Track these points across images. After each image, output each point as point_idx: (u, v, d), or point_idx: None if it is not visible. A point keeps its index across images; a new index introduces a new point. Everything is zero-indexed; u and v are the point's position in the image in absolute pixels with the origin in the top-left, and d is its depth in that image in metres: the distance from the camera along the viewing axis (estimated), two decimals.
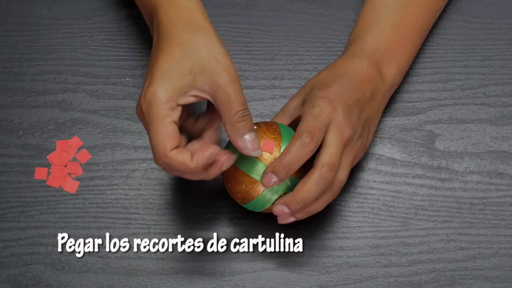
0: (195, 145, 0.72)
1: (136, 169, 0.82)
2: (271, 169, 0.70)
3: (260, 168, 0.72)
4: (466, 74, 0.85)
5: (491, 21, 0.88)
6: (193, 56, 0.69)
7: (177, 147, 0.68)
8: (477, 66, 0.86)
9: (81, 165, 0.82)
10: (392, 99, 0.83)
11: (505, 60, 0.86)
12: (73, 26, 0.88)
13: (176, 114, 0.69)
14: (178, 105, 0.69)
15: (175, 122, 0.69)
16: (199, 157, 0.69)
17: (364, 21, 0.80)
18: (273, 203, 0.73)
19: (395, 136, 0.83)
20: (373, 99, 0.76)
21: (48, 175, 0.82)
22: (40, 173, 0.81)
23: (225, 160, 0.71)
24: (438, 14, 0.85)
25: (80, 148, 0.83)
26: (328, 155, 0.71)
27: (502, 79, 0.85)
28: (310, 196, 0.71)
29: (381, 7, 0.80)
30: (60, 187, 0.81)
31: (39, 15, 0.89)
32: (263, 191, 0.72)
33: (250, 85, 0.85)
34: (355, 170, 0.81)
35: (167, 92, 0.68)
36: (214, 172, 0.71)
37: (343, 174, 0.72)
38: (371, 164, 0.82)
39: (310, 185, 0.70)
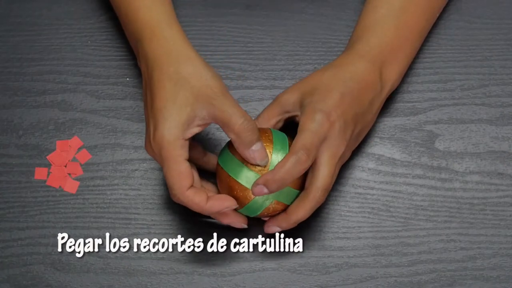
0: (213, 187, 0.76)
1: (136, 169, 0.82)
2: (263, 182, 0.70)
3: (250, 176, 0.72)
4: (466, 74, 0.85)
5: (491, 21, 0.88)
6: (184, 87, 0.70)
7: (192, 184, 0.71)
8: (477, 66, 0.86)
9: (81, 165, 0.82)
10: (392, 99, 0.83)
11: (505, 60, 0.86)
12: (73, 26, 0.88)
13: (186, 149, 0.71)
14: (186, 139, 0.71)
15: (186, 159, 0.71)
16: (214, 205, 0.71)
17: (366, 21, 0.80)
18: (266, 208, 0.73)
19: (395, 136, 0.83)
20: (370, 109, 0.76)
21: (48, 175, 0.82)
22: (40, 173, 0.81)
23: (236, 223, 0.74)
24: (437, 15, 0.85)
25: (80, 148, 0.83)
26: (322, 179, 0.72)
27: (502, 79, 0.85)
28: (303, 217, 0.73)
29: (384, 6, 0.80)
30: (60, 187, 0.81)
31: (39, 15, 0.89)
32: (254, 197, 0.72)
33: (250, 85, 0.85)
34: (355, 170, 0.81)
35: (173, 132, 0.70)
36: (221, 220, 0.74)
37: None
38: (371, 164, 0.81)
39: (305, 209, 0.72)
